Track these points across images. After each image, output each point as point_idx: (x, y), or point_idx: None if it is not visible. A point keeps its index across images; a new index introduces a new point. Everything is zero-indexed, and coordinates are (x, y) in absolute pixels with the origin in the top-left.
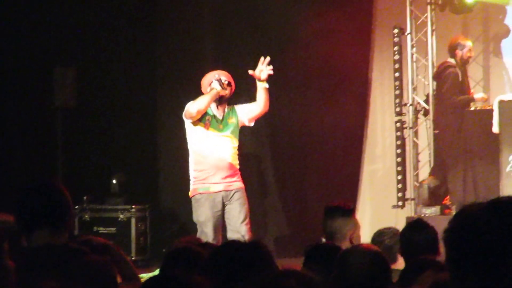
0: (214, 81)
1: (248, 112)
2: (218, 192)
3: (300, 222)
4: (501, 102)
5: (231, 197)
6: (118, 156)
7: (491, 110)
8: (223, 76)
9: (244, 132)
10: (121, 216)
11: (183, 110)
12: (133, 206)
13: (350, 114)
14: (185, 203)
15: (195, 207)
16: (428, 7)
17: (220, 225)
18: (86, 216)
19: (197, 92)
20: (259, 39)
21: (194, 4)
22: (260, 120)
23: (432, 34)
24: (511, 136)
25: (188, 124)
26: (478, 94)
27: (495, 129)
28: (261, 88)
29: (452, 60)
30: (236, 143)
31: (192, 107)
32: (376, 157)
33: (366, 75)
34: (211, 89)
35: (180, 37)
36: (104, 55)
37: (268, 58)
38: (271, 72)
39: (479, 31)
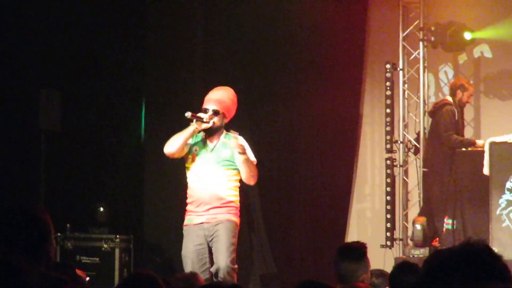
0: (200, 113)
1: (237, 165)
2: (199, 224)
3: (287, 259)
4: (492, 144)
5: (214, 231)
6: (103, 183)
7: (482, 152)
8: (213, 103)
9: None
10: (105, 246)
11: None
12: (117, 236)
13: (340, 151)
14: (170, 235)
15: (184, 242)
16: (421, 43)
17: (205, 259)
18: (69, 244)
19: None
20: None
21: (183, 28)
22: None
23: (424, 71)
24: (501, 179)
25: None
26: (479, 140)
27: (486, 171)
28: (239, 161)
29: (450, 99)
30: (231, 173)
31: (165, 148)
32: (365, 195)
33: (357, 110)
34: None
35: (168, 63)
36: (91, 79)
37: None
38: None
39: (471, 71)
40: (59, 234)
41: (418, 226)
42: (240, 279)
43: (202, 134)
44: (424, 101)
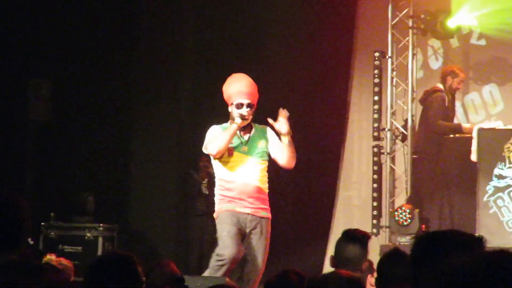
0: (235, 110)
1: (273, 153)
2: (244, 213)
3: (272, 247)
4: (480, 130)
5: (255, 226)
6: (89, 173)
7: (470, 138)
8: (246, 97)
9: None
10: (88, 234)
11: (157, 128)
12: (101, 225)
13: (327, 139)
14: (155, 224)
15: (218, 224)
16: (410, 31)
17: (240, 243)
18: (52, 233)
19: (173, 111)
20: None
21: (173, 20)
22: None
23: (413, 59)
24: (489, 165)
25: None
26: (466, 124)
27: (473, 157)
28: (283, 144)
29: (440, 86)
30: (265, 165)
31: (212, 149)
32: (352, 183)
33: (345, 98)
34: (232, 122)
35: (157, 54)
36: (80, 69)
37: (287, 113)
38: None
39: (460, 58)
40: (43, 223)
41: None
42: None
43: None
44: (412, 88)
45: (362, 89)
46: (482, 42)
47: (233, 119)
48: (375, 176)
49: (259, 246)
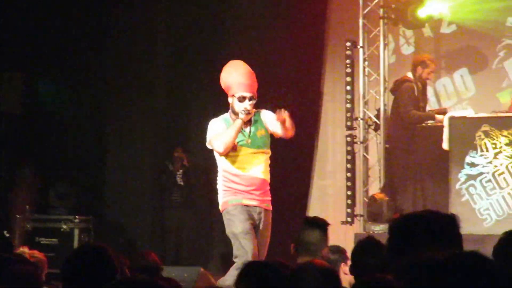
0: (237, 103)
1: (272, 128)
2: (252, 206)
3: None
4: (452, 119)
5: (263, 217)
6: (64, 166)
7: (442, 127)
8: (247, 90)
9: (194, 144)
10: (64, 226)
11: (132, 119)
12: (76, 217)
13: (301, 129)
14: (131, 216)
15: (228, 220)
16: (381, 21)
17: (255, 237)
18: (28, 226)
19: (147, 103)
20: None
21: (147, 12)
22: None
23: (384, 48)
24: (460, 153)
25: None
26: (439, 116)
27: (445, 145)
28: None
29: (410, 75)
30: (267, 154)
31: (219, 146)
32: (326, 172)
33: (318, 88)
34: (235, 116)
35: (131, 46)
36: (53, 61)
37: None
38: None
39: (431, 46)
40: (18, 216)
41: (378, 202)
42: (200, 258)
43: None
44: (384, 78)
45: (334, 79)
46: (453, 27)
47: (234, 111)
48: (349, 165)
49: (264, 238)
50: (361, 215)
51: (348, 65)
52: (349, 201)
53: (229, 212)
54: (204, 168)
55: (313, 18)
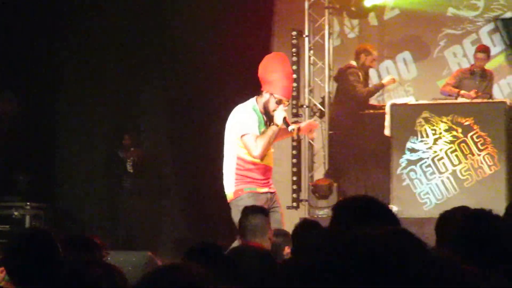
0: (280, 112)
1: None
2: (264, 193)
3: (197, 223)
4: (393, 106)
5: (273, 202)
6: (17, 152)
7: (384, 114)
8: (288, 95)
9: (144, 131)
10: (16, 213)
11: (85, 107)
12: (28, 203)
13: None
14: (83, 202)
15: (241, 208)
16: (326, 11)
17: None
18: None
19: (99, 91)
20: (158, 45)
21: (99, 7)
22: (161, 124)
23: (329, 37)
24: (401, 139)
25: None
26: (386, 78)
27: (387, 132)
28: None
29: (354, 63)
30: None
31: (257, 153)
32: (273, 158)
33: None
34: (273, 124)
35: (81, 37)
36: (7, 52)
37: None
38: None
39: (375, 32)
40: None
41: (319, 187)
42: (150, 244)
43: (262, 116)
44: (329, 66)
45: None
46: (396, 11)
47: (267, 108)
48: (294, 152)
49: (280, 218)
50: (306, 200)
51: (294, 54)
52: (295, 187)
53: (242, 199)
54: (154, 155)
55: (260, 8)
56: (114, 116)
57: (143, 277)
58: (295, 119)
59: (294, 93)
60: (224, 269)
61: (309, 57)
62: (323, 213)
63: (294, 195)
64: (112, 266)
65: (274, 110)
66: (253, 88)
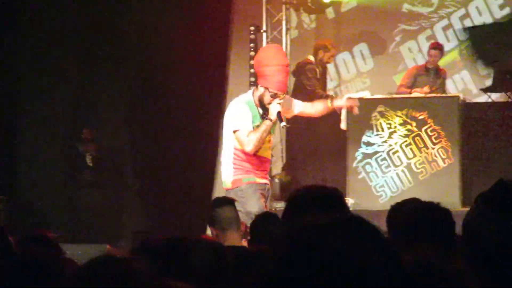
0: (275, 106)
1: (304, 109)
2: (262, 183)
3: (157, 216)
4: (349, 100)
5: (268, 193)
6: None
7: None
8: (284, 89)
9: (104, 126)
10: None
11: (45, 100)
12: None
13: (207, 110)
14: (43, 196)
15: (241, 198)
16: (283, 6)
17: None
18: None
19: (59, 83)
20: (117, 39)
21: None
22: (120, 117)
23: (286, 33)
24: (357, 133)
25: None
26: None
27: (343, 125)
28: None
29: (312, 58)
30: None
31: (249, 147)
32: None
33: (223, 71)
34: (267, 118)
35: (42, 30)
36: None
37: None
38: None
39: (331, 32)
40: None
41: (275, 180)
42: (109, 237)
43: (257, 109)
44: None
45: (239, 62)
46: (353, 4)
47: (262, 101)
48: None
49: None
50: None
51: (252, 49)
52: None
53: (242, 190)
54: (113, 148)
55: (218, 3)
56: (73, 109)
57: (79, 268)
58: None
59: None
60: (172, 263)
61: None
62: (280, 205)
63: None
64: (68, 260)
65: (269, 104)
66: (212, 81)
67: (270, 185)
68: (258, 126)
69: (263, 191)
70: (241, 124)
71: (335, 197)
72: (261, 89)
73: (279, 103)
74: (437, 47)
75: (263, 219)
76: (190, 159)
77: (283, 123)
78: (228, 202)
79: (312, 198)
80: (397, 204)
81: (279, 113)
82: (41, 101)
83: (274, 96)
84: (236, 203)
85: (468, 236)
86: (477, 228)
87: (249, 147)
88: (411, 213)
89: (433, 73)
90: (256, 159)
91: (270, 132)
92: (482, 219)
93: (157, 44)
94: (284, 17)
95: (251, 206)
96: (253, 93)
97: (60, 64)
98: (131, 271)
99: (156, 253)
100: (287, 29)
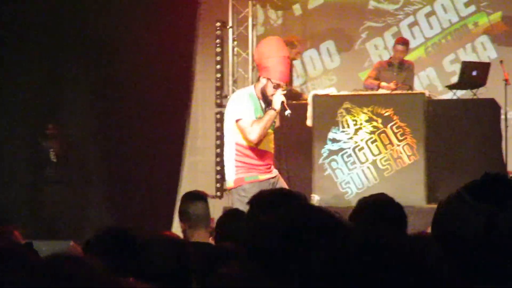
0: (278, 96)
1: None
2: (266, 180)
3: (123, 212)
4: (315, 97)
5: (277, 182)
6: None
7: (306, 104)
8: (286, 79)
9: (69, 121)
10: None
11: (8, 96)
12: None
13: (173, 107)
14: (8, 192)
15: (244, 198)
16: (250, 2)
17: None
18: None
19: (21, 78)
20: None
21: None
22: (85, 113)
23: (252, 29)
24: (323, 130)
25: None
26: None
27: (309, 122)
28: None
29: None
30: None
31: (252, 135)
32: (197, 148)
33: (189, 67)
34: (271, 108)
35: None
36: None
37: None
38: None
39: (298, 29)
40: None
41: None
42: (74, 233)
43: (259, 102)
44: (252, 57)
45: (205, 58)
46: (320, 1)
47: (264, 93)
48: (218, 142)
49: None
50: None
51: (218, 45)
52: (218, 176)
53: (245, 190)
54: (78, 144)
55: (184, 0)
56: (38, 105)
57: (32, 267)
58: (219, 109)
59: (218, 84)
60: (130, 260)
61: (233, 48)
62: None
63: (218, 185)
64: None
65: (272, 95)
66: (178, 77)
67: (278, 178)
68: (261, 117)
69: (268, 187)
70: (244, 114)
71: (299, 198)
72: (263, 81)
73: (283, 94)
74: (403, 43)
75: (230, 215)
76: (155, 154)
77: (288, 111)
78: (199, 197)
79: (276, 198)
80: (364, 198)
81: (282, 102)
82: (4, 97)
83: (277, 86)
84: (238, 203)
85: (447, 231)
86: (462, 222)
87: (253, 136)
88: (362, 209)
89: (396, 68)
90: (258, 152)
91: (273, 122)
92: (469, 213)
93: (123, 39)
94: (250, 13)
95: None
96: (255, 87)
97: (24, 60)
98: (85, 270)
99: (113, 250)
100: (253, 25)
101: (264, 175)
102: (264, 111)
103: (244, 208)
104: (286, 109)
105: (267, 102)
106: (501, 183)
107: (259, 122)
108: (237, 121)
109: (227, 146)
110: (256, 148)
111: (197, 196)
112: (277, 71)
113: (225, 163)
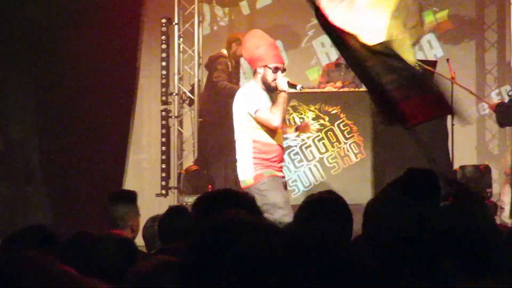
0: (281, 78)
1: None
2: (281, 177)
3: (65, 210)
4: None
5: (286, 186)
6: None
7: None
8: (281, 60)
9: (10, 118)
10: None
11: None
12: None
13: (117, 104)
14: None
15: (265, 191)
16: None
17: None
18: None
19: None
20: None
21: None
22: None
23: (199, 26)
24: None
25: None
26: None
27: None
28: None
29: (225, 52)
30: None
31: (276, 120)
32: (142, 146)
33: (134, 64)
34: (280, 91)
35: None
36: None
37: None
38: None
39: (247, 23)
40: None
41: (183, 174)
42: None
43: (265, 93)
44: (198, 54)
45: (151, 55)
46: (268, 1)
47: (267, 82)
48: (164, 139)
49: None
50: (175, 188)
51: (164, 42)
52: (164, 174)
53: (265, 183)
54: (19, 141)
55: None
56: None
57: None
58: (164, 106)
59: (164, 81)
60: (79, 259)
61: (179, 45)
62: (192, 200)
63: (163, 183)
64: None
65: (274, 80)
66: (123, 74)
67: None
68: (275, 102)
69: (284, 185)
70: (260, 104)
71: (246, 198)
72: (260, 70)
73: (283, 74)
74: None
75: (172, 213)
76: (99, 151)
77: (300, 86)
78: (119, 199)
79: (223, 198)
80: (311, 195)
81: (288, 82)
82: None
83: (276, 70)
84: (259, 198)
85: (378, 228)
86: (387, 213)
87: (277, 121)
88: (307, 206)
89: (344, 68)
90: (274, 148)
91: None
92: (399, 210)
93: (66, 34)
94: (196, 10)
95: (276, 197)
96: (255, 80)
97: None
98: (43, 268)
99: (62, 249)
100: (199, 22)
101: (279, 173)
102: (271, 101)
103: (266, 201)
104: (295, 85)
105: (271, 90)
106: (427, 179)
107: (276, 107)
108: (256, 111)
109: (243, 144)
110: (273, 144)
111: (117, 198)
112: (270, 56)
113: (240, 161)
